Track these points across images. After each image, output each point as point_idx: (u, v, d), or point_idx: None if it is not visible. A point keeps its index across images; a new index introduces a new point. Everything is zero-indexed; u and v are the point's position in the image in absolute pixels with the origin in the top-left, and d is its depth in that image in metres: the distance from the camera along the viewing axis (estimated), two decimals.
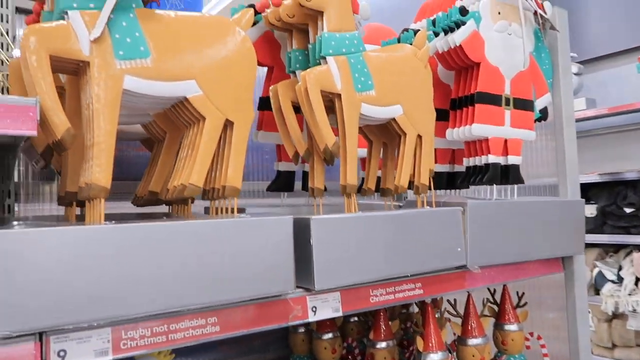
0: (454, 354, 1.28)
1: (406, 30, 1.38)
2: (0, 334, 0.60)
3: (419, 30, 1.27)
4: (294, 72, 1.11)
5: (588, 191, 3.39)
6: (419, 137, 1.15)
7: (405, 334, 1.45)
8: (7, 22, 1.14)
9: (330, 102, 1.04)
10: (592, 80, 3.73)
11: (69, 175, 0.86)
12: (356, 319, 1.43)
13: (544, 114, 1.47)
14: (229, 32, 0.88)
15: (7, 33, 1.12)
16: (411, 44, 1.20)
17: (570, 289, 1.51)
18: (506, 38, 1.33)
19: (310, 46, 1.07)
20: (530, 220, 1.29)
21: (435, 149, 1.42)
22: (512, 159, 1.33)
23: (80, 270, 0.66)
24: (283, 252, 0.84)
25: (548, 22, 1.43)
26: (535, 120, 1.43)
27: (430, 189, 1.20)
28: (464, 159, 1.38)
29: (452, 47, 1.25)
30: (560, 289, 1.56)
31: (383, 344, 1.23)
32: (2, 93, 1.07)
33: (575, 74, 3.56)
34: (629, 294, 2.99)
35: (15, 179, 1.23)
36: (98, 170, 0.73)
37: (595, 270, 3.25)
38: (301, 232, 0.89)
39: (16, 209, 1.23)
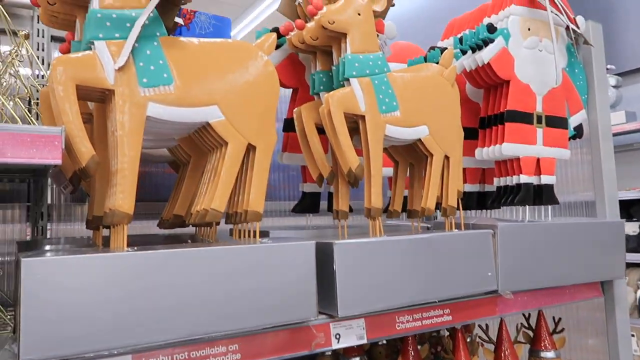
0: None
1: (433, 48, 1.36)
2: None
3: (446, 48, 1.25)
4: (318, 94, 1.11)
5: (629, 208, 3.24)
6: (446, 157, 1.12)
7: (435, 359, 1.40)
8: (43, 50, 1.19)
9: (355, 123, 1.03)
10: (631, 92, 3.59)
11: (96, 200, 0.88)
12: (385, 342, 1.40)
13: (578, 132, 1.41)
14: (251, 57, 0.88)
15: (43, 61, 1.16)
16: (438, 63, 1.18)
17: (610, 314, 1.43)
18: (537, 54, 1.29)
19: (334, 68, 1.06)
20: (565, 242, 1.23)
21: (465, 168, 1.39)
22: (546, 179, 1.29)
23: (101, 297, 0.66)
24: (305, 278, 0.83)
25: (581, 36, 1.38)
26: (569, 138, 1.38)
27: (458, 208, 1.17)
28: (495, 179, 1.34)
29: (480, 65, 1.23)
30: (600, 311, 1.48)
31: None
32: (37, 119, 1.10)
33: (613, 87, 3.45)
34: None
35: (49, 201, 1.27)
36: (121, 196, 0.74)
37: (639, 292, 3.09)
38: (324, 257, 0.88)
39: (49, 227, 1.26)
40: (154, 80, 0.78)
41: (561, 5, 1.32)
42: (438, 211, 1.16)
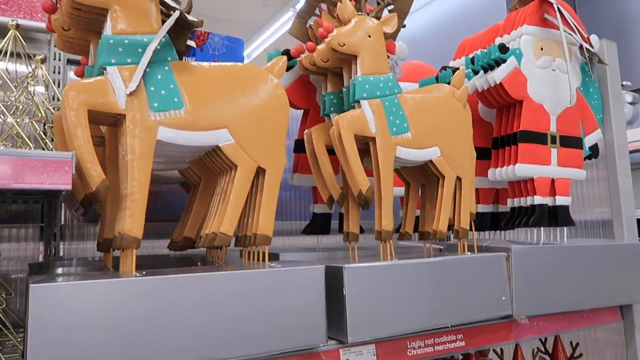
0: None
1: (445, 68, 1.36)
2: None
3: (458, 68, 1.24)
4: (328, 115, 1.11)
5: None
6: (459, 179, 1.11)
7: None
8: (59, 73, 1.21)
9: (366, 144, 1.03)
10: None
11: (107, 223, 0.88)
12: None
13: (594, 152, 1.39)
14: (261, 80, 0.89)
15: (59, 84, 1.18)
16: (449, 83, 1.18)
17: (630, 339, 1.39)
18: (550, 74, 1.28)
19: (344, 90, 1.06)
20: (582, 265, 1.20)
21: (478, 189, 1.38)
22: (561, 200, 1.26)
23: (109, 323, 0.66)
24: (314, 303, 0.82)
25: (595, 55, 1.37)
26: (585, 158, 1.36)
27: (471, 229, 1.15)
28: (508, 200, 1.32)
29: (493, 85, 1.22)
30: (620, 334, 1.44)
31: None
32: (52, 141, 1.12)
33: (630, 103, 3.40)
34: None
35: (62, 221, 1.28)
36: (130, 221, 0.74)
37: None
38: (334, 281, 0.86)
39: (62, 246, 1.28)
40: (165, 104, 0.78)
41: (574, 25, 1.31)
42: (451, 232, 1.14)
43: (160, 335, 0.69)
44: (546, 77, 1.27)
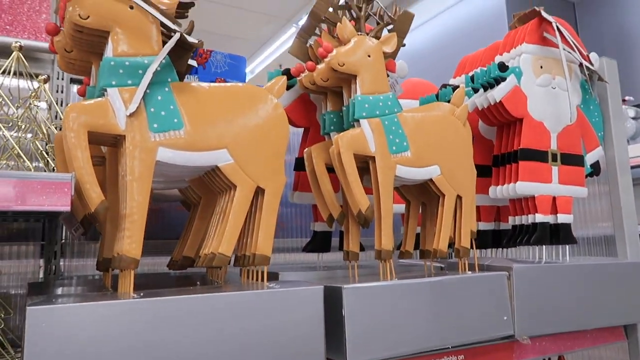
0: None
1: (445, 86, 1.36)
2: None
3: (458, 86, 1.25)
4: (328, 134, 1.11)
5: None
6: (459, 197, 1.11)
7: None
8: (62, 92, 1.22)
9: (366, 163, 1.03)
10: None
11: (107, 242, 0.88)
12: None
13: (595, 169, 1.39)
14: (261, 100, 0.89)
15: (62, 103, 1.19)
16: (449, 101, 1.18)
17: (635, 359, 1.37)
18: (550, 92, 1.28)
19: (344, 109, 1.07)
20: (585, 284, 1.19)
21: (479, 207, 1.37)
22: (562, 218, 1.26)
23: (107, 344, 0.66)
24: (313, 323, 0.81)
25: (595, 73, 1.37)
26: (586, 176, 1.35)
27: (472, 247, 1.14)
28: (510, 217, 1.32)
29: (492, 103, 1.22)
30: (624, 352, 1.42)
31: None
32: (54, 160, 1.13)
33: (632, 118, 3.40)
34: None
35: (63, 239, 1.28)
36: (129, 242, 0.74)
37: None
38: (333, 301, 0.86)
39: (63, 263, 1.28)
40: (165, 125, 0.79)
41: (573, 43, 1.32)
42: (451, 249, 1.14)
43: (158, 358, 0.69)
44: (546, 95, 1.27)
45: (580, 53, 1.33)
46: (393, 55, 1.18)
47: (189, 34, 0.93)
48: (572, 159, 1.29)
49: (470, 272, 1.09)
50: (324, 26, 1.16)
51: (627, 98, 3.41)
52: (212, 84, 0.87)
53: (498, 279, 1.06)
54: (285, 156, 0.91)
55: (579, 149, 1.32)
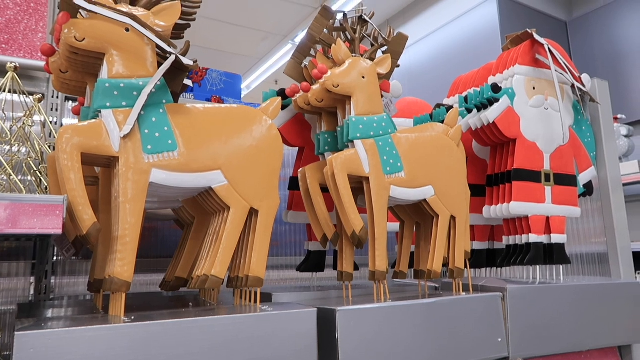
0: None
1: (439, 106, 1.38)
2: None
3: (452, 106, 1.26)
4: (323, 154, 1.12)
5: None
6: (453, 217, 1.11)
7: None
8: (57, 110, 1.22)
9: (360, 183, 1.03)
10: None
11: (98, 263, 0.87)
12: None
13: (588, 189, 1.39)
14: (255, 122, 0.90)
15: (56, 122, 1.19)
16: (443, 121, 1.19)
17: None
18: (543, 113, 1.29)
19: (338, 129, 1.07)
20: (579, 305, 1.19)
21: (474, 226, 1.38)
22: (556, 238, 1.26)
23: None
24: (307, 346, 0.81)
25: (587, 94, 1.39)
26: (579, 196, 1.36)
27: (466, 267, 1.14)
28: (504, 237, 1.32)
29: (486, 124, 1.23)
30: None
31: None
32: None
33: (625, 136, 3.43)
34: None
35: (55, 257, 1.27)
36: (120, 264, 0.74)
37: None
38: (326, 324, 0.85)
39: (54, 281, 1.26)
40: (159, 146, 0.79)
41: (565, 64, 1.33)
42: (446, 268, 1.13)
43: None
44: (539, 115, 1.28)
45: (572, 74, 1.34)
46: (387, 76, 1.19)
47: (185, 54, 0.94)
48: (565, 179, 1.30)
49: (464, 293, 1.09)
50: (319, 47, 1.17)
51: (619, 116, 3.45)
52: (207, 105, 0.87)
53: (492, 300, 1.06)
54: (279, 177, 0.91)
55: (571, 169, 1.33)
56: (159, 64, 0.83)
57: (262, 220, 0.87)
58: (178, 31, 0.94)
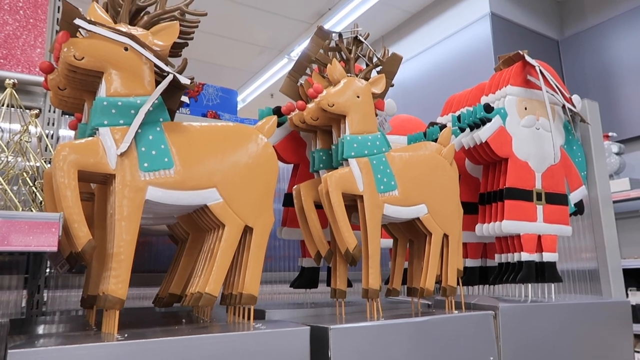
0: None
1: (432, 124, 1.39)
2: None
3: (445, 125, 1.27)
4: (317, 172, 1.13)
5: (639, 277, 3.17)
6: (446, 236, 1.12)
7: None
8: (54, 125, 1.23)
9: (354, 200, 1.04)
10: (634, 159, 3.62)
11: (92, 279, 0.88)
12: None
13: (579, 208, 1.41)
14: (250, 140, 0.91)
15: (52, 136, 1.20)
16: (436, 140, 1.21)
17: None
18: (534, 132, 1.31)
19: (333, 147, 1.09)
20: (570, 323, 1.20)
21: (467, 243, 1.39)
22: (548, 256, 1.27)
23: None
24: None
25: (577, 115, 1.41)
26: (570, 214, 1.37)
27: (459, 284, 1.15)
28: (496, 255, 1.33)
29: (479, 143, 1.25)
30: None
31: None
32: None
33: (616, 154, 3.47)
34: None
35: (48, 271, 1.27)
36: (114, 281, 0.74)
37: None
38: (319, 342, 0.85)
39: (46, 294, 1.25)
40: (155, 164, 0.80)
41: (556, 85, 1.36)
42: (439, 285, 1.14)
43: None
44: (530, 135, 1.30)
45: (563, 95, 1.37)
46: (382, 95, 1.21)
47: (182, 71, 0.95)
48: (556, 198, 1.31)
49: (456, 312, 1.10)
50: (315, 65, 1.18)
51: (610, 134, 3.49)
52: (204, 123, 0.88)
53: (484, 319, 1.07)
54: (273, 195, 0.92)
55: (563, 188, 1.35)
56: (157, 82, 0.84)
57: (256, 238, 0.88)
58: (176, 49, 0.95)
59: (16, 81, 0.99)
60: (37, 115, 1.01)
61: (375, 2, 4.14)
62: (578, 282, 1.66)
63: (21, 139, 0.97)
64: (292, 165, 1.30)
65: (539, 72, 1.31)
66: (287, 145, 1.21)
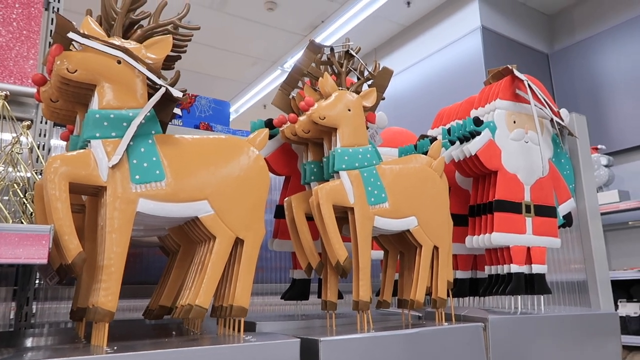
0: None
1: (423, 137, 1.41)
2: None
3: (436, 138, 1.29)
4: (308, 184, 1.13)
5: (629, 288, 3.20)
6: (436, 248, 1.13)
7: None
8: (45, 136, 1.23)
9: (345, 212, 1.05)
10: (622, 171, 3.66)
11: (82, 291, 0.87)
12: None
13: (568, 220, 1.43)
14: (242, 152, 0.91)
15: (43, 147, 1.20)
16: (427, 152, 1.22)
17: None
18: (523, 146, 1.33)
19: (324, 160, 1.09)
20: (559, 335, 1.21)
21: (457, 255, 1.40)
22: (537, 268, 1.29)
23: None
24: None
25: (565, 128, 1.44)
26: (559, 227, 1.39)
27: (448, 296, 1.15)
28: (486, 267, 1.34)
29: (468, 156, 1.26)
30: None
31: None
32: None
33: (605, 166, 3.52)
34: None
35: (37, 283, 1.26)
36: (104, 294, 0.74)
37: None
38: (310, 354, 0.86)
39: (35, 306, 1.24)
40: (146, 176, 0.80)
41: (544, 99, 1.38)
42: (429, 297, 1.15)
43: None
44: (519, 148, 1.32)
45: (551, 109, 1.39)
46: (373, 108, 1.22)
47: (175, 83, 0.96)
48: (545, 211, 1.33)
49: (446, 323, 1.10)
50: (307, 79, 1.20)
51: (599, 147, 3.54)
52: (196, 136, 0.88)
53: (474, 331, 1.07)
54: (265, 208, 0.93)
55: (551, 200, 1.36)
56: (150, 95, 0.85)
57: (247, 250, 0.88)
58: (169, 62, 0.96)
59: (8, 93, 1.00)
60: (28, 127, 1.02)
61: (368, 15, 4.20)
62: (567, 294, 1.67)
63: (12, 150, 0.97)
64: (284, 177, 1.31)
65: (527, 86, 1.33)
66: (279, 157, 1.22)
